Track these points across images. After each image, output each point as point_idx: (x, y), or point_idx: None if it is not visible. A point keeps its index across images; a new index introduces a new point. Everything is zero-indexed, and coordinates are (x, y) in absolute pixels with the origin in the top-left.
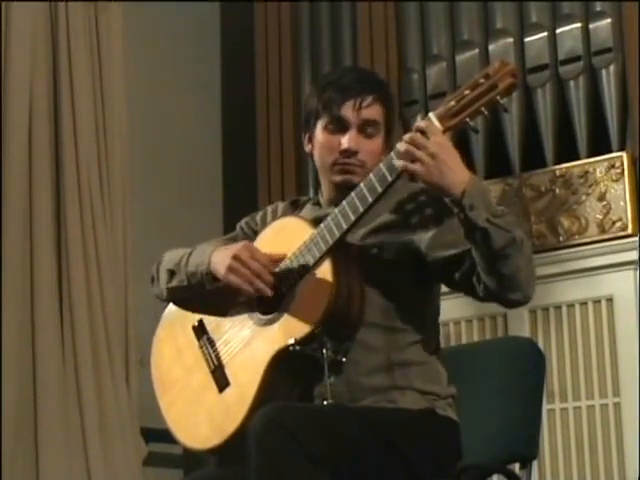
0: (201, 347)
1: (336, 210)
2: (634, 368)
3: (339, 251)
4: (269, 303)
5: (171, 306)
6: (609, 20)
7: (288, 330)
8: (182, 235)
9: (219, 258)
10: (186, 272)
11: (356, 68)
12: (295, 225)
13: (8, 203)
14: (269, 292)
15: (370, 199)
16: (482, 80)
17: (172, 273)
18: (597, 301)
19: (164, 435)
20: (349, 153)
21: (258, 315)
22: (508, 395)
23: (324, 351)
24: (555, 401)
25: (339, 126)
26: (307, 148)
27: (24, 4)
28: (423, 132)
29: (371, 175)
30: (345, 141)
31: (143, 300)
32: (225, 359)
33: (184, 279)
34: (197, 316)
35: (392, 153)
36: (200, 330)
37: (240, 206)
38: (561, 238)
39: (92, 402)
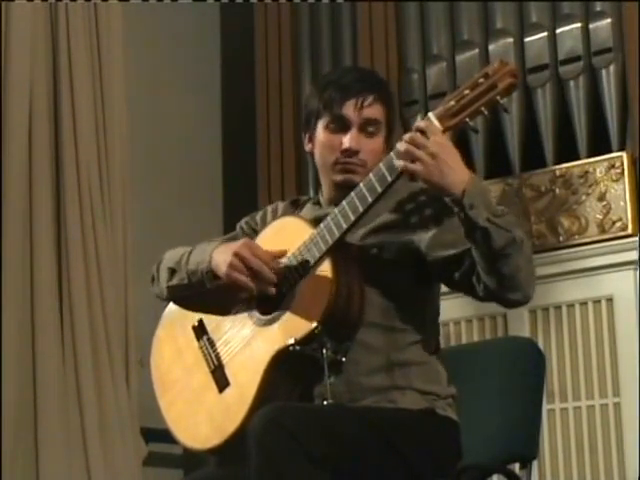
0: (201, 347)
1: (336, 210)
2: (634, 368)
3: (339, 251)
4: (269, 303)
5: (171, 306)
6: (609, 20)
7: (288, 330)
8: (182, 235)
9: (220, 256)
10: (187, 270)
11: (357, 68)
12: (295, 225)
13: (8, 203)
14: (272, 290)
15: (370, 199)
16: (482, 80)
17: (173, 271)
18: (597, 301)
19: (164, 435)
20: (350, 152)
21: (258, 315)
22: (508, 395)
23: (324, 351)
24: (555, 401)
25: (340, 125)
26: (307, 148)
27: (24, 4)
28: (423, 132)
29: (371, 175)
30: (346, 140)
31: (143, 300)
32: (225, 359)
33: (185, 277)
34: (197, 316)
35: (392, 153)
36: (200, 330)
37: (240, 206)
38: (561, 238)
39: (92, 402)
